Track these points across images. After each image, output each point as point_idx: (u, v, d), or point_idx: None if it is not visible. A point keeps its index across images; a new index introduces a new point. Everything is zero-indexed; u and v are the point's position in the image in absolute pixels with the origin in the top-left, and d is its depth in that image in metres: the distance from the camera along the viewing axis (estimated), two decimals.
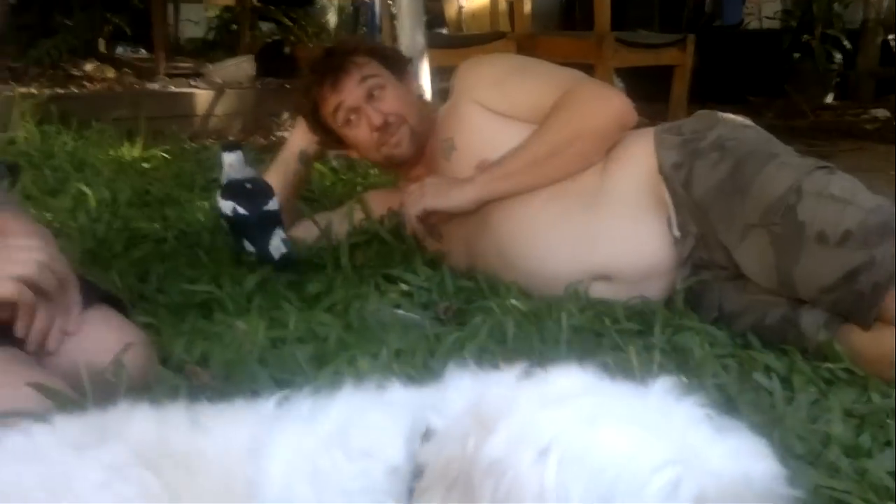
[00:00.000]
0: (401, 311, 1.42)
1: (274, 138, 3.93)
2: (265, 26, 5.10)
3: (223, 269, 1.51)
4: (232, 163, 1.69)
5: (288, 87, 4.41)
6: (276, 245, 1.57)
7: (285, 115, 4.23)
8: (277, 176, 1.82)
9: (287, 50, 4.77)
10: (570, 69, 1.64)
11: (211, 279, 1.43)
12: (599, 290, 1.47)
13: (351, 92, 1.66)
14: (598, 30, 3.79)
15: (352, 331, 1.26)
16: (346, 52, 1.74)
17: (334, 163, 2.56)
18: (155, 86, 4.12)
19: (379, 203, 1.85)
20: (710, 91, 4.34)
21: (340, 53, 1.73)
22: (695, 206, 1.40)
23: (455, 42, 3.53)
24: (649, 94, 3.91)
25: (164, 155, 2.96)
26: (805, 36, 5.07)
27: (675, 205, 1.45)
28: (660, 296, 1.47)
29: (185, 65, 4.73)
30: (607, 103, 1.50)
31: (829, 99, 5.25)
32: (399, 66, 1.77)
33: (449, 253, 1.68)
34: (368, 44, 1.89)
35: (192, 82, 4.35)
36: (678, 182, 1.43)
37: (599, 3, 3.74)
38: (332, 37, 4.66)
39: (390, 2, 3.49)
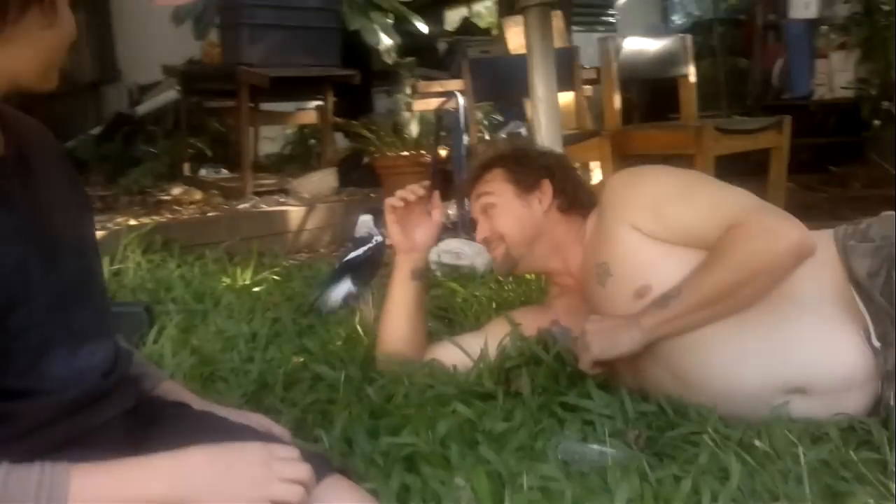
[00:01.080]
0: (597, 446, 1.35)
1: None
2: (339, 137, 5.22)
3: (400, 410, 1.46)
4: (361, 225, 2.33)
5: (372, 195, 4.47)
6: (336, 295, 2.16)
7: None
8: (395, 303, 1.81)
9: (366, 160, 4.84)
10: (734, 190, 1.53)
11: (399, 424, 1.37)
12: (794, 407, 1.38)
13: (472, 203, 1.82)
14: (686, 117, 3.80)
15: (568, 477, 1.18)
16: (484, 163, 1.84)
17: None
18: (246, 205, 4.20)
19: (528, 322, 1.81)
20: (791, 165, 4.29)
21: (479, 165, 1.86)
22: None
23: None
24: (742, 171, 3.88)
25: (275, 277, 2.98)
26: (885, 103, 5.00)
27: (871, 314, 1.37)
28: (859, 411, 1.38)
29: (268, 181, 4.83)
30: (785, 237, 1.37)
31: None
32: (529, 179, 1.77)
33: (614, 375, 1.61)
34: (512, 149, 1.87)
35: (280, 198, 4.43)
36: (876, 290, 1.36)
37: (686, 92, 3.76)
38: (410, 144, 4.72)
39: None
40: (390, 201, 1.77)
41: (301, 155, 5.57)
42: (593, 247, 1.64)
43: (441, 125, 4.30)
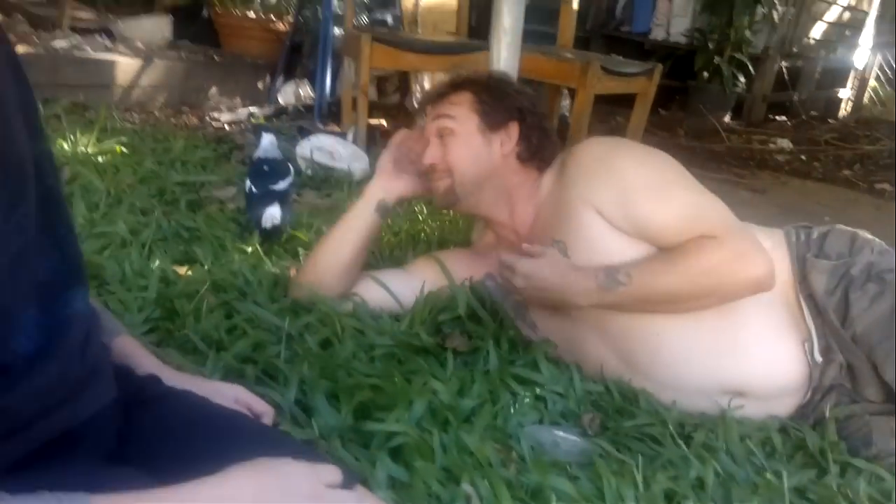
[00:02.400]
0: (561, 433, 1.32)
1: (209, 118, 3.59)
2: None
3: (354, 370, 1.33)
4: (267, 144, 2.16)
5: (217, 58, 4.02)
6: (269, 217, 1.96)
7: (213, 90, 3.88)
8: (348, 228, 1.66)
9: (206, 13, 4.32)
10: (712, 198, 1.44)
11: (367, 397, 1.25)
12: (730, 406, 1.45)
13: (430, 121, 1.61)
14: (563, 43, 3.77)
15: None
16: (456, 83, 1.63)
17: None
18: (63, 43, 3.59)
19: (457, 268, 1.72)
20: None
21: (450, 83, 1.64)
22: (850, 339, 1.41)
23: (422, 47, 3.32)
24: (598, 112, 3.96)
25: (121, 147, 2.60)
26: (717, 57, 5.31)
27: (816, 327, 1.44)
28: (787, 413, 1.47)
29: (87, 16, 4.16)
30: (754, 266, 1.36)
31: (727, 119, 5.56)
32: (497, 116, 1.59)
33: (549, 343, 1.59)
34: (488, 78, 1.67)
35: (103, 40, 3.84)
36: (830, 309, 1.42)
37: (567, 18, 3.71)
38: (259, 7, 4.27)
39: None
40: (401, 137, 1.70)
41: None
42: (549, 217, 1.54)
43: None
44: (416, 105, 3.96)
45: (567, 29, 3.80)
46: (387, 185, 1.66)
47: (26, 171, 0.75)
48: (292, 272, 1.80)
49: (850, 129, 5.42)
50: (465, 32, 3.66)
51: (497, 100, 1.61)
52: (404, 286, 1.68)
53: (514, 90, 1.65)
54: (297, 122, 3.55)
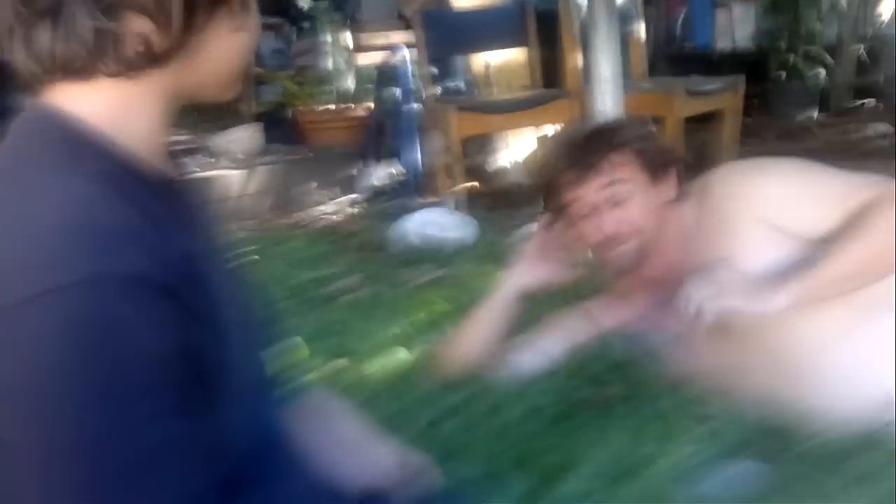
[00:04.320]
0: (747, 463, 1.33)
1: (315, 212, 3.77)
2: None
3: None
4: None
5: (310, 154, 4.23)
6: None
7: (313, 185, 4.07)
8: (489, 319, 1.70)
9: (289, 114, 4.56)
10: (854, 174, 1.52)
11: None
12: None
13: (594, 191, 1.56)
14: (637, 76, 3.80)
15: None
16: (607, 145, 1.60)
17: None
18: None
19: (602, 315, 1.75)
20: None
21: (601, 142, 1.61)
22: None
23: (506, 107, 3.43)
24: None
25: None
26: (791, 56, 5.23)
27: None
28: None
29: (184, 138, 4.45)
30: None
31: (815, 114, 5.44)
32: (661, 165, 1.62)
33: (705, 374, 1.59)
34: (634, 133, 1.67)
35: (206, 158, 4.10)
36: None
37: (636, 50, 3.75)
38: (335, 98, 4.48)
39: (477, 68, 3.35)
40: (545, 222, 1.70)
41: (209, 108, 5.16)
42: (701, 243, 1.58)
43: (382, 80, 4.09)
44: (504, 163, 4.06)
45: (638, 60, 3.85)
46: (531, 272, 1.69)
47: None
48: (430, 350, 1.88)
49: None
50: (539, 83, 3.76)
51: (654, 149, 1.65)
52: (554, 343, 1.72)
53: (656, 135, 1.69)
54: (396, 200, 3.69)
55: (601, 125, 1.70)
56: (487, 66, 3.98)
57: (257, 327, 0.87)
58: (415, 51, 3.76)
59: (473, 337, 1.70)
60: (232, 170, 3.85)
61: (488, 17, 3.76)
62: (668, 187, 1.61)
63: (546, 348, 1.72)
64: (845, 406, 1.41)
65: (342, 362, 1.86)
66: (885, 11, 5.88)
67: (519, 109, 3.38)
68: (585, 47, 3.45)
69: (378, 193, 3.93)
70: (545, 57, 3.69)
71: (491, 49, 3.93)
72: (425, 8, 3.56)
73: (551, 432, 1.41)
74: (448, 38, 3.60)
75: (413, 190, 3.84)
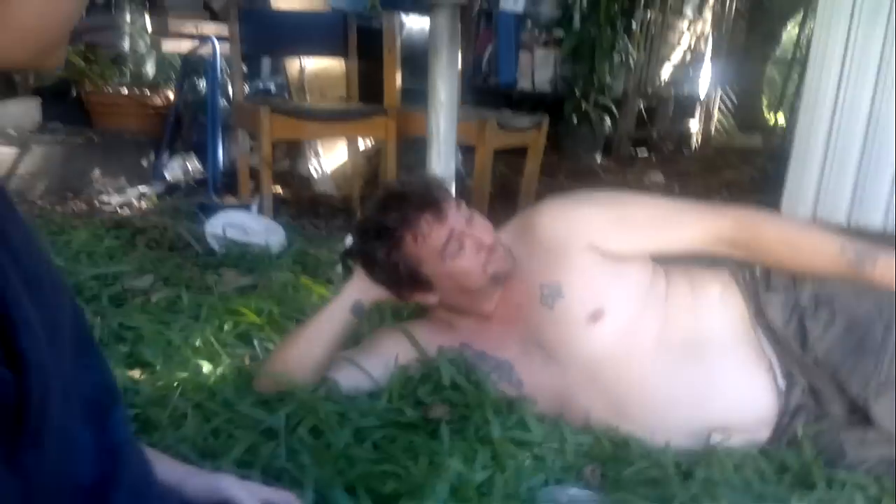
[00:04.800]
0: (573, 490, 1.34)
1: (98, 203, 3.41)
2: None
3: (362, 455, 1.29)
4: None
5: (95, 139, 3.83)
6: None
7: (96, 172, 3.70)
8: (321, 327, 1.62)
9: (75, 93, 4.12)
10: (660, 197, 1.73)
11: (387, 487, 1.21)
12: (715, 441, 1.51)
13: (457, 218, 1.56)
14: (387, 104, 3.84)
15: None
16: (426, 183, 1.64)
17: None
18: None
19: (424, 337, 1.72)
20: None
21: (423, 185, 1.62)
22: (811, 363, 1.52)
23: (322, 115, 3.32)
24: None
25: None
26: (584, 102, 5.60)
27: (778, 357, 1.55)
28: (764, 440, 1.56)
29: None
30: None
31: (598, 158, 5.86)
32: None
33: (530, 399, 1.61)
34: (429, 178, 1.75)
35: None
36: (790, 338, 1.53)
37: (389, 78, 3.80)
38: (133, 82, 4.12)
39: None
40: None
41: None
42: (531, 265, 1.59)
43: (188, 70, 3.81)
44: (312, 171, 3.93)
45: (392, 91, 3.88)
46: (365, 287, 1.62)
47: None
48: (246, 360, 1.74)
49: (708, 158, 5.86)
50: (355, 97, 3.68)
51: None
52: (376, 363, 1.66)
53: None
54: (194, 198, 3.43)
55: (402, 179, 1.74)
56: (302, 72, 3.84)
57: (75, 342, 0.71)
58: (226, 44, 3.54)
59: (303, 352, 1.59)
60: (2, 146, 3.39)
61: (309, 22, 3.64)
62: None
63: (368, 368, 1.65)
64: (667, 435, 1.48)
65: (135, 375, 1.66)
66: (664, 73, 6.51)
67: (336, 119, 3.28)
68: (411, 68, 3.52)
69: (172, 188, 3.64)
70: (363, 71, 3.63)
71: (308, 55, 3.80)
72: (240, 3, 3.36)
73: (380, 457, 1.33)
74: (264, 37, 3.42)
75: (213, 189, 3.60)
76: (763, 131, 7.91)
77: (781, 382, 1.53)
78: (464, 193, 3.28)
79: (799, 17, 8.24)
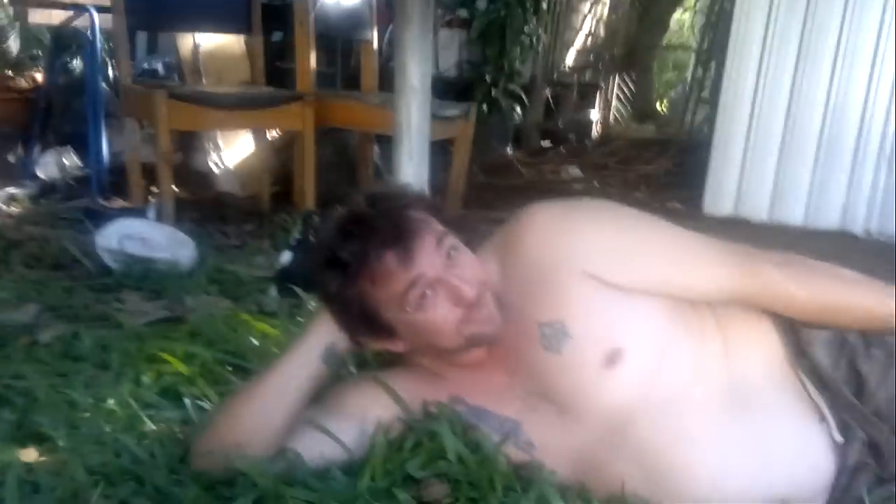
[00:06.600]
0: None
1: None
2: None
3: None
4: None
5: None
6: None
7: None
8: (284, 381, 1.26)
9: None
10: (668, 224, 1.36)
11: None
12: None
13: (431, 261, 1.21)
14: (367, 87, 3.52)
15: None
16: (401, 204, 1.28)
17: None
18: None
19: (403, 391, 1.40)
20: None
21: (396, 209, 1.26)
22: (870, 414, 1.31)
23: (229, 102, 2.90)
24: None
25: None
26: (493, 89, 5.35)
27: (828, 405, 1.33)
28: None
29: None
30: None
31: (508, 150, 5.63)
32: (447, 216, 1.34)
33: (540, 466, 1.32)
34: (411, 190, 1.38)
35: None
36: (841, 383, 1.32)
37: (368, 60, 3.49)
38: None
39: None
40: None
41: None
42: (523, 300, 1.30)
43: (60, 46, 3.27)
44: (212, 166, 3.48)
45: (370, 72, 3.56)
46: (337, 327, 1.28)
47: None
48: (174, 429, 1.38)
49: (617, 151, 5.75)
50: (260, 80, 3.27)
51: (429, 200, 1.39)
52: (347, 427, 1.32)
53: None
54: (76, 202, 2.93)
55: (370, 193, 1.34)
56: (196, 50, 3.38)
57: None
58: (108, 16, 3.04)
59: (260, 418, 1.23)
60: None
61: None
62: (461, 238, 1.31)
63: (338, 431, 1.31)
64: None
65: (30, 455, 1.26)
66: (568, 58, 6.37)
67: (244, 107, 2.86)
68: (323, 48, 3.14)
69: (47, 190, 3.11)
70: (274, 52, 3.23)
71: (204, 31, 3.34)
72: None
73: None
74: (153, 8, 2.94)
75: (97, 190, 3.09)
76: (656, 121, 7.96)
77: (837, 436, 1.31)
78: None
79: (688, 2, 8.34)
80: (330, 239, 1.26)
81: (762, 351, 1.35)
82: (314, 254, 1.31)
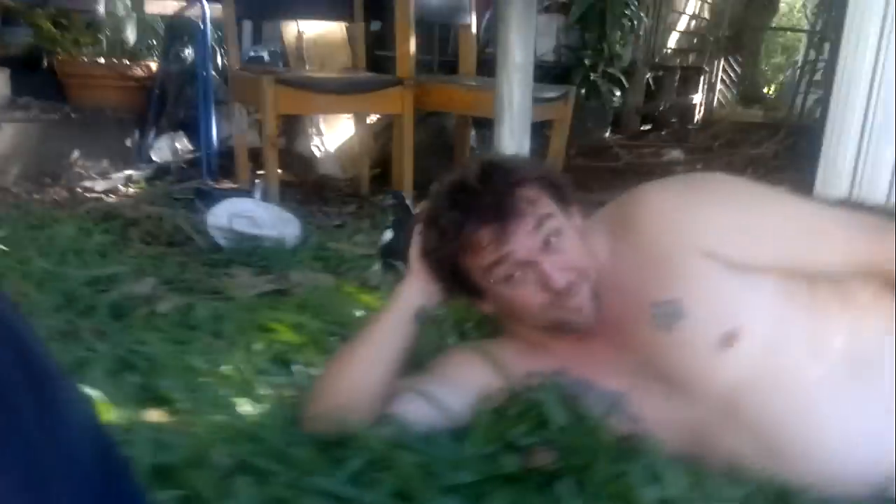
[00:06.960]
0: None
1: (80, 190, 3.02)
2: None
3: None
4: None
5: (73, 115, 3.42)
6: None
7: (75, 154, 3.30)
8: (381, 344, 1.29)
9: (46, 63, 3.70)
10: (787, 197, 1.31)
11: None
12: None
13: (524, 242, 1.22)
14: (467, 71, 3.52)
15: None
16: (512, 181, 1.27)
17: None
18: None
19: (506, 361, 1.39)
20: None
21: (505, 185, 1.25)
22: None
23: (334, 87, 2.96)
24: None
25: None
26: (592, 74, 5.26)
27: None
28: None
29: None
30: None
31: (607, 134, 5.54)
32: (566, 193, 1.32)
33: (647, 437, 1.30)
34: (533, 164, 1.38)
35: None
36: None
37: (467, 44, 3.48)
38: (105, 51, 3.70)
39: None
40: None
41: None
42: (638, 280, 1.27)
43: (173, 36, 3.41)
44: (314, 150, 3.57)
45: (469, 56, 3.56)
46: (427, 288, 1.31)
47: None
48: (286, 392, 1.42)
49: (722, 133, 5.57)
50: (361, 66, 3.31)
51: (551, 174, 1.34)
52: (450, 394, 1.33)
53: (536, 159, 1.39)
54: (187, 183, 3.06)
55: (487, 162, 1.33)
56: (300, 38, 3.46)
57: None
58: (217, 6, 3.15)
59: (359, 378, 1.26)
60: None
61: None
62: (578, 218, 1.31)
63: (442, 399, 1.32)
64: (839, 478, 1.17)
65: (153, 415, 1.32)
66: (671, 41, 6.20)
67: (347, 92, 2.92)
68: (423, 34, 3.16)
69: (161, 172, 3.26)
70: (377, 37, 3.27)
71: (308, 18, 3.42)
72: None
73: None
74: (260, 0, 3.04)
75: (207, 172, 3.22)
76: (763, 105, 7.65)
77: None
78: None
79: None
80: (437, 201, 1.29)
81: (886, 320, 1.27)
82: (426, 208, 1.33)
